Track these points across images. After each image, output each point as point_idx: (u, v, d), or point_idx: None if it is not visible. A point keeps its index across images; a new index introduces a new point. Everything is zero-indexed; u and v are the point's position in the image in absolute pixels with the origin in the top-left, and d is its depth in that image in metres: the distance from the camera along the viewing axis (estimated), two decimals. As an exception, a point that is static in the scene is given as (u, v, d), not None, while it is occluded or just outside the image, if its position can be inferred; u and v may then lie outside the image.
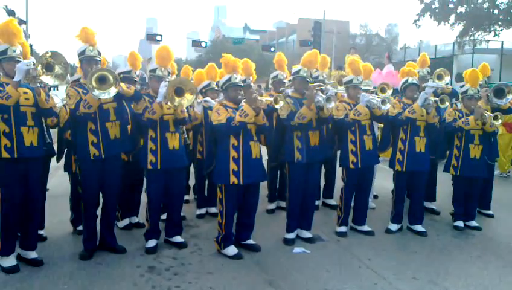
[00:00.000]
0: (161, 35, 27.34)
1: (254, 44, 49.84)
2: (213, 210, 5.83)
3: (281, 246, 4.82)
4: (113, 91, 4.04)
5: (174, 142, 4.52)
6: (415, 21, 25.19)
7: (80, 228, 4.74)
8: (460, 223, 5.49)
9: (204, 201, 5.92)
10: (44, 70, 3.93)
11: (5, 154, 3.85)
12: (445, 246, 4.98)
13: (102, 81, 4.01)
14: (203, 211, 5.88)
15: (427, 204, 6.01)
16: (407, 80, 5.34)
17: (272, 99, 4.49)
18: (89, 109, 4.09)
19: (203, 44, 33.37)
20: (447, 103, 5.40)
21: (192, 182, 6.32)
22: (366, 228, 5.29)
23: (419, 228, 5.29)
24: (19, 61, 3.87)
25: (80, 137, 4.26)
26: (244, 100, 4.38)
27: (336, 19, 46.18)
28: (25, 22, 20.76)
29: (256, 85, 6.55)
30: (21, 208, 4.02)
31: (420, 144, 5.16)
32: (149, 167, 4.48)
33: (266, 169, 5.19)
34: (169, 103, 4.35)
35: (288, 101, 4.71)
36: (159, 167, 4.46)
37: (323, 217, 5.83)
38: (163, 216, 4.91)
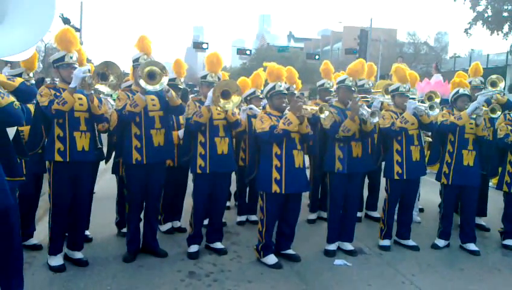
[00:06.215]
0: (207, 43, 27.81)
1: (298, 52, 49.74)
2: (253, 218, 5.84)
3: (321, 258, 4.75)
4: (165, 80, 4.16)
5: (223, 147, 4.56)
6: (466, 30, 24.44)
7: (124, 230, 4.85)
8: (510, 242, 5.21)
9: (245, 208, 5.93)
10: (99, 79, 4.05)
11: (58, 158, 3.99)
12: (494, 264, 4.75)
13: (151, 77, 4.12)
14: (243, 218, 5.89)
15: (477, 219, 5.75)
16: (458, 91, 5.15)
17: (317, 108, 4.46)
18: (135, 108, 4.17)
19: (248, 52, 33.72)
20: (499, 112, 5.16)
21: (233, 188, 6.35)
22: (410, 242, 5.11)
23: (471, 246, 5.03)
24: (75, 68, 4.01)
25: (126, 141, 4.37)
26: (288, 108, 4.37)
27: (383, 27, 45.41)
28: (79, 30, 21.73)
29: (299, 93, 6.51)
30: (70, 209, 4.16)
31: (468, 158, 4.95)
32: (198, 171, 4.52)
33: (309, 178, 5.12)
34: (217, 107, 4.41)
35: (332, 111, 4.66)
36: (207, 171, 4.50)
37: (366, 229, 5.70)
38: (205, 221, 4.95)
